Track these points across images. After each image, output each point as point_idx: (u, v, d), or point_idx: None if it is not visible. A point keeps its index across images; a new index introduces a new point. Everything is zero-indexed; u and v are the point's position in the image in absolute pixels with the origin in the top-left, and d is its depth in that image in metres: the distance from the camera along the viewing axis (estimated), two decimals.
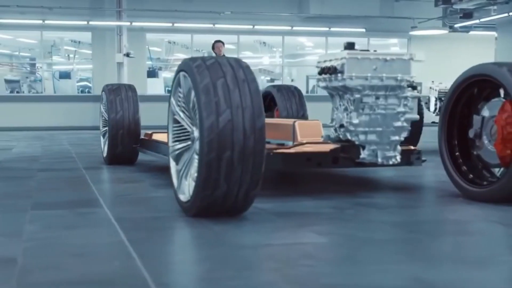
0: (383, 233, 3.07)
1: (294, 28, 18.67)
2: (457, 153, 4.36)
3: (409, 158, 4.50)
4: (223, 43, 11.02)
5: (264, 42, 20.66)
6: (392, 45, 21.92)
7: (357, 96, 3.65)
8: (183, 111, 3.54)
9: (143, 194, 4.40)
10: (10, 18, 16.18)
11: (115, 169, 6.00)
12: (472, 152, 4.29)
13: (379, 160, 3.74)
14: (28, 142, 10.71)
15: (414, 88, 3.79)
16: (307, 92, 21.26)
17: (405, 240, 2.89)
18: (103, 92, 6.63)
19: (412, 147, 4.60)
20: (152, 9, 16.98)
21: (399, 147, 3.82)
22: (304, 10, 18.58)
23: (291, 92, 6.94)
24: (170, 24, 17.38)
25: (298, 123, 4.54)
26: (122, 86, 6.69)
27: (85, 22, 16.77)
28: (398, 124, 3.72)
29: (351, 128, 3.69)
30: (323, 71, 3.72)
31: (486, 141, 4.16)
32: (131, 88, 6.64)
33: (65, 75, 18.81)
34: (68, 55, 20.98)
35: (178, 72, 3.55)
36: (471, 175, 4.24)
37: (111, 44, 16.93)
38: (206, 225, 3.17)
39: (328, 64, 3.82)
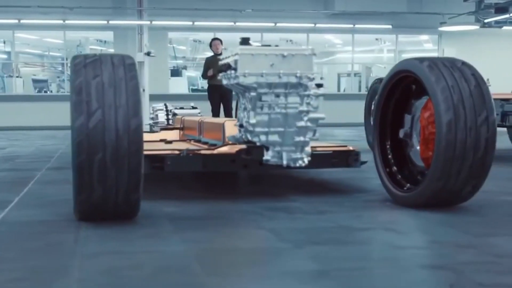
0: (257, 241, 2.88)
1: (318, 25, 18.35)
2: (389, 155, 4.10)
3: (347, 159, 4.28)
4: (221, 41, 10.86)
5: (290, 40, 20.36)
6: (425, 42, 21.34)
7: (253, 94, 3.43)
8: None
9: (68, 196, 4.29)
10: (31, 19, 16.40)
11: None
12: (404, 154, 4.02)
13: (284, 162, 3.52)
14: (31, 142, 10.78)
15: (320, 85, 3.54)
16: (338, 90, 20.91)
17: (265, 250, 2.69)
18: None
19: (350, 148, 4.37)
20: (172, 7, 16.95)
21: (307, 149, 3.59)
22: (329, 7, 18.25)
23: None
24: (191, 23, 17.31)
25: (227, 123, 4.36)
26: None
27: (105, 22, 16.86)
28: (301, 124, 3.49)
29: (250, 128, 3.48)
30: (221, 68, 3.52)
31: (415, 142, 3.90)
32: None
33: None
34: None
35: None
36: (400, 178, 3.98)
37: (133, 43, 16.94)
38: (82, 229, 3.05)
39: (225, 61, 3.63)
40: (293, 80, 3.43)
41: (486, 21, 18.36)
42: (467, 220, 3.31)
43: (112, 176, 3.03)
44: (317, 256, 2.53)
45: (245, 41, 3.47)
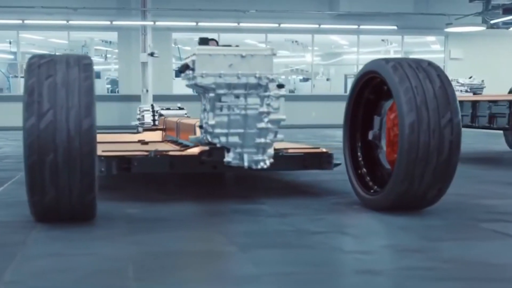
0: (205, 244, 2.84)
1: (322, 26, 18.27)
2: (359, 157, 4.04)
3: (320, 161, 4.23)
4: (216, 41, 10.77)
5: (296, 41, 20.31)
6: (432, 43, 21.19)
7: (212, 95, 3.38)
8: None
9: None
10: (35, 19, 16.48)
11: None
12: (374, 156, 3.96)
13: (245, 164, 3.47)
14: None
15: (281, 86, 3.49)
16: (345, 92, 20.81)
17: (209, 253, 2.64)
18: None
19: (324, 150, 4.32)
20: (176, 8, 16.96)
21: (270, 151, 3.54)
22: (333, 7, 18.17)
23: None
24: (195, 23, 17.30)
25: (198, 124, 4.31)
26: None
27: (109, 22, 16.90)
28: (262, 125, 3.44)
29: (209, 129, 3.43)
30: (180, 69, 3.48)
31: (383, 144, 3.84)
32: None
33: (95, 75, 18.99)
34: (105, 55, 21.26)
35: None
36: (368, 180, 3.92)
37: (137, 44, 17.01)
38: (35, 231, 3.02)
39: (184, 61, 3.59)
40: (253, 80, 3.38)
41: (493, 22, 18.22)
42: (429, 224, 3.25)
43: (65, 177, 3.00)
44: (259, 261, 2.48)
45: (203, 41, 3.44)
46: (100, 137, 5.76)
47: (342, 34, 19.67)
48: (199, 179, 5.05)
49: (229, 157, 3.49)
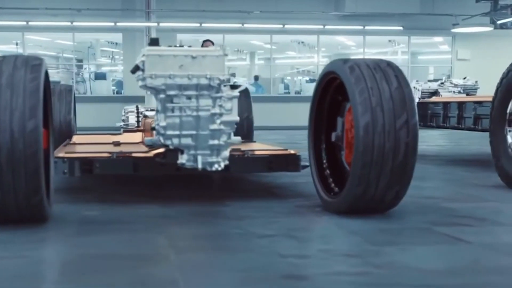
0: (143, 247, 2.79)
1: (327, 26, 18.19)
2: (324, 160, 3.98)
3: (286, 163, 4.18)
4: (212, 42, 10.78)
5: (302, 42, 20.23)
6: (440, 44, 21.01)
7: (162, 96, 3.34)
8: None
9: None
10: (40, 21, 16.57)
11: None
12: (337, 158, 3.90)
13: (199, 165, 3.43)
14: None
15: (235, 87, 3.44)
16: None
17: (142, 256, 2.59)
18: None
19: (292, 152, 4.27)
20: (180, 9, 16.97)
21: (225, 153, 3.49)
22: (339, 8, 18.08)
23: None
24: (198, 24, 17.30)
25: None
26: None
27: (113, 24, 16.94)
28: (214, 127, 3.39)
29: (161, 131, 3.39)
30: (132, 70, 3.44)
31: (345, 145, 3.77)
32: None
33: (101, 76, 19.11)
34: (112, 56, 21.34)
35: None
36: (331, 182, 3.86)
37: (141, 45, 17.00)
38: None
39: (135, 62, 3.55)
40: (204, 81, 3.33)
41: (500, 22, 18.03)
42: (382, 227, 3.18)
43: (9, 179, 2.97)
44: (187, 265, 2.44)
45: (153, 42, 3.39)
46: (77, 138, 5.79)
47: (348, 35, 19.57)
48: (180, 180, 5.01)
49: (182, 159, 3.45)
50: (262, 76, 19.96)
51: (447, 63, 20.03)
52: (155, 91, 3.35)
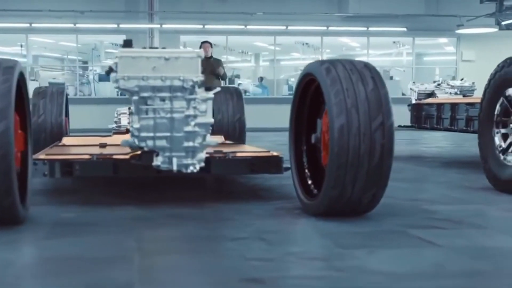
0: (107, 250, 2.78)
1: (330, 28, 18.13)
2: (304, 162, 3.96)
3: (268, 165, 4.15)
4: (210, 43, 10.78)
5: (306, 43, 20.18)
6: (445, 45, 20.91)
7: (136, 98, 3.33)
8: None
9: None
10: (43, 22, 16.63)
11: None
12: (317, 160, 3.87)
13: (174, 167, 3.41)
14: None
15: (209, 89, 3.42)
16: None
17: (99, 260, 2.58)
18: None
19: (274, 154, 4.24)
20: (183, 11, 16.98)
21: (201, 155, 3.47)
22: (342, 9, 18.03)
23: (230, 93, 6.61)
24: (201, 26, 17.30)
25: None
26: None
27: (116, 25, 16.98)
28: (189, 128, 3.37)
29: (136, 133, 3.38)
30: (106, 71, 3.43)
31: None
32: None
33: (105, 78, 19.10)
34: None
35: None
36: (311, 184, 3.83)
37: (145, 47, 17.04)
38: None
39: (109, 64, 3.54)
40: (177, 83, 3.31)
41: (505, 23, 17.89)
42: (356, 230, 3.15)
43: None
44: (149, 268, 2.42)
45: (127, 44, 3.38)
46: (67, 140, 5.78)
47: (351, 36, 19.50)
48: (167, 181, 5.00)
49: (158, 161, 3.44)
50: (267, 77, 19.95)
51: (452, 65, 19.93)
52: (130, 93, 3.34)
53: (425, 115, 6.99)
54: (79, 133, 7.06)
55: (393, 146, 3.28)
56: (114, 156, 4.00)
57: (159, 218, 3.51)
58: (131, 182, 5.06)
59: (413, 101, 8.07)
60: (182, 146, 3.39)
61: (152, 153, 3.45)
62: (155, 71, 3.30)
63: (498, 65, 4.65)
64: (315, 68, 3.49)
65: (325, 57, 21.91)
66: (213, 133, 6.73)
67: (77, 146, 5.10)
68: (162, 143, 3.38)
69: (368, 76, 3.36)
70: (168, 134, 3.37)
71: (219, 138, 6.12)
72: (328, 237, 3.00)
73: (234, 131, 6.44)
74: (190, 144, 3.39)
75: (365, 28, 18.24)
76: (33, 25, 16.68)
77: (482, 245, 2.87)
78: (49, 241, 2.92)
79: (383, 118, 3.25)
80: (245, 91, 18.34)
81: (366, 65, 3.46)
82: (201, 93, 3.37)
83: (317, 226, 3.25)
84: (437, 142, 11.59)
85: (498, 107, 4.72)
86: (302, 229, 3.26)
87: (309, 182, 3.83)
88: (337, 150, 3.23)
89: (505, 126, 4.70)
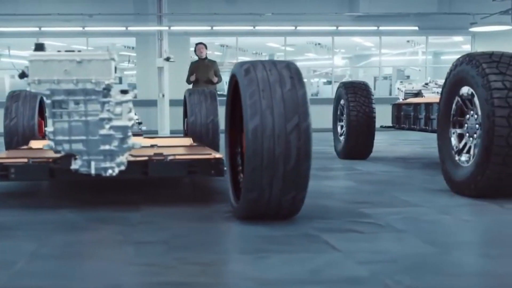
0: (10, 254, 2.76)
1: (340, 28, 17.98)
2: (238, 163, 3.90)
3: (209, 167, 4.10)
4: (205, 45, 10.77)
5: (319, 43, 20.04)
6: (462, 43, 20.56)
7: (49, 101, 3.31)
8: None
9: None
10: (52, 26, 16.81)
11: None
12: None
13: (92, 171, 3.38)
14: None
15: (125, 92, 3.38)
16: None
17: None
18: None
19: (216, 156, 4.18)
20: (192, 12, 17.00)
21: (121, 158, 3.43)
22: (353, 9, 17.87)
23: (204, 95, 6.56)
24: (210, 28, 17.29)
25: None
26: None
27: (124, 28, 17.07)
28: (104, 132, 3.34)
29: (51, 136, 3.35)
30: (20, 75, 3.42)
31: None
32: None
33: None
34: (129, 60, 21.49)
35: None
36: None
37: (154, 49, 17.12)
38: None
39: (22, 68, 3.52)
40: (89, 86, 3.28)
41: None
42: (266, 234, 3.07)
43: None
44: (24, 273, 2.40)
45: (38, 47, 3.36)
46: (33, 143, 5.78)
47: (362, 35, 19.31)
48: (134, 184, 4.99)
49: (76, 165, 3.41)
50: None
51: None
52: (45, 96, 3.32)
53: (404, 115, 6.86)
54: None
55: (310, 148, 3.20)
56: (52, 160, 3.99)
57: (82, 222, 3.48)
58: (91, 185, 5.05)
59: (400, 100, 7.94)
60: (99, 149, 3.36)
61: (71, 156, 3.42)
62: (67, 74, 3.28)
63: (452, 64, 4.52)
64: (236, 70, 3.43)
65: (340, 57, 21.78)
66: (186, 135, 6.71)
67: (34, 150, 5.10)
68: (78, 146, 3.36)
69: (287, 77, 3.29)
70: (83, 137, 3.34)
71: (187, 141, 6.09)
72: (233, 241, 2.96)
73: (207, 133, 6.39)
74: (107, 147, 3.35)
75: (376, 28, 18.04)
76: (43, 29, 16.87)
77: (383, 249, 2.78)
78: None
79: (299, 120, 3.18)
80: None
81: (288, 65, 3.38)
82: (115, 95, 3.33)
83: (231, 230, 3.20)
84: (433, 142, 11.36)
85: (454, 106, 4.60)
86: (215, 233, 3.20)
87: (241, 185, 3.76)
88: (251, 152, 3.17)
89: (461, 126, 4.58)
